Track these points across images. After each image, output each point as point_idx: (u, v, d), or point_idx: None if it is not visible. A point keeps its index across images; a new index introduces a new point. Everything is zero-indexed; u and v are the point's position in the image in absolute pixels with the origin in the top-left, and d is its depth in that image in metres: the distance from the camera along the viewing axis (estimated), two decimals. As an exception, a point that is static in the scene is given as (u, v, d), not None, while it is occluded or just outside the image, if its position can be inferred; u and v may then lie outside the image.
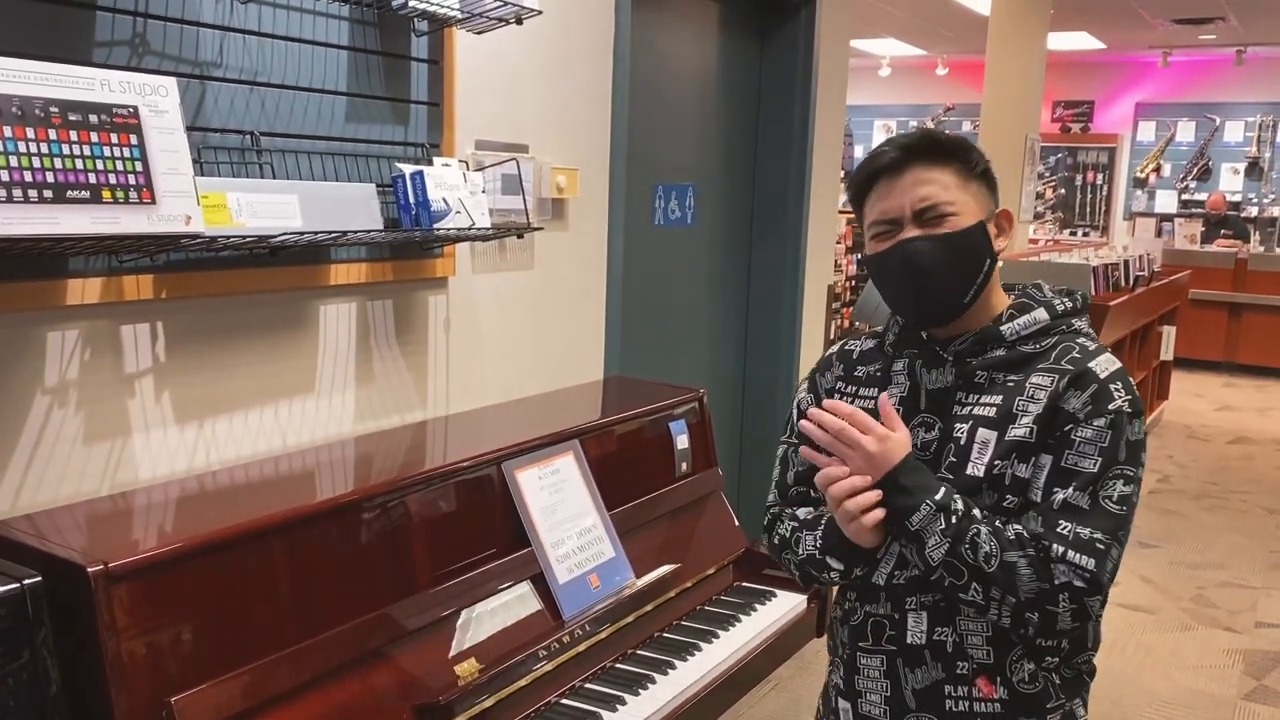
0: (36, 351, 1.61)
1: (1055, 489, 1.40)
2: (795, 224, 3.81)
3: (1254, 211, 11.93)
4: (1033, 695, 1.47)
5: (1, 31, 1.48)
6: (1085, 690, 1.57)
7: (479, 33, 2.20)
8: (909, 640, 1.48)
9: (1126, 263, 6.75)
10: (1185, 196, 12.41)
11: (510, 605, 1.90)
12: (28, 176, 1.32)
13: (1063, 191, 12.94)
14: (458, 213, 2.09)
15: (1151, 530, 5.45)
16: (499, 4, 2.06)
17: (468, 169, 2.21)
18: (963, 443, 1.45)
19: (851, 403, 1.52)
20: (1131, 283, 6.77)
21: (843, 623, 1.60)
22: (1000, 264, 1.52)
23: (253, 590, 1.52)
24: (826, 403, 1.46)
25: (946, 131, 1.53)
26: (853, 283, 6.27)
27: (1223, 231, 11.00)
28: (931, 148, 1.46)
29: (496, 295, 2.50)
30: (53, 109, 1.36)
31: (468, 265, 2.39)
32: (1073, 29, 10.15)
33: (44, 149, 1.34)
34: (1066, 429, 1.41)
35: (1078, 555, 1.36)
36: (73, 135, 1.37)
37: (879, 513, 1.40)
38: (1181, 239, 10.66)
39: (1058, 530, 1.37)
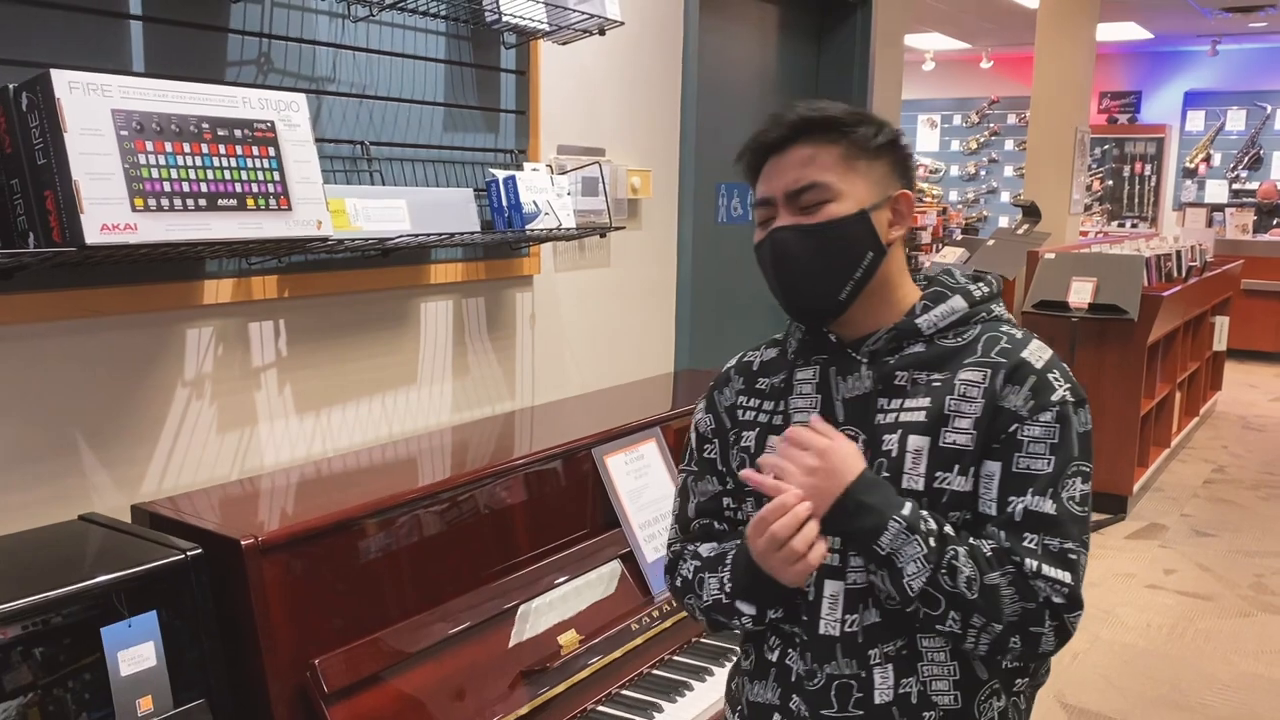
0: (177, 347, 1.76)
1: (1011, 497, 1.24)
2: (853, 220, 3.91)
3: (1307, 200, 11.79)
4: None
5: (152, 55, 1.63)
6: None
7: (563, 44, 2.33)
8: (877, 700, 1.27)
9: (1179, 253, 6.75)
10: (1236, 186, 12.29)
11: (604, 581, 2.03)
12: (185, 187, 1.46)
13: (1110, 183, 12.86)
14: (546, 214, 2.21)
15: (1208, 519, 5.47)
16: (584, 16, 2.19)
17: (552, 173, 2.34)
18: (894, 455, 1.27)
19: (754, 418, 1.39)
20: (1184, 273, 6.78)
21: (756, 678, 1.37)
22: (902, 251, 1.35)
23: (380, 563, 1.66)
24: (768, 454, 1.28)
25: (830, 101, 1.34)
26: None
27: (1276, 221, 10.89)
28: (819, 122, 1.29)
29: (576, 292, 2.63)
30: (204, 125, 1.50)
31: (550, 264, 2.52)
32: (1120, 19, 10.12)
33: (198, 162, 1.48)
34: (1011, 429, 1.25)
35: (1053, 569, 1.21)
36: (221, 149, 1.51)
37: (822, 548, 1.22)
38: (1233, 229, 10.58)
39: (1025, 544, 1.22)
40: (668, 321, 3.02)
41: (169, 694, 1.36)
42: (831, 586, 1.29)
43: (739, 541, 1.32)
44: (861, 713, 1.27)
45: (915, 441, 1.27)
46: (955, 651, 1.26)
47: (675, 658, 2.05)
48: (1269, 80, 12.01)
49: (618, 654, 1.94)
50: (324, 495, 1.83)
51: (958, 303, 1.33)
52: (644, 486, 2.20)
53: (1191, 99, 12.60)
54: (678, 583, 1.42)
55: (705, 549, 1.40)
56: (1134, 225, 12.43)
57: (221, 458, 1.84)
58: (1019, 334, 1.33)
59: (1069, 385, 1.27)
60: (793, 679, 1.32)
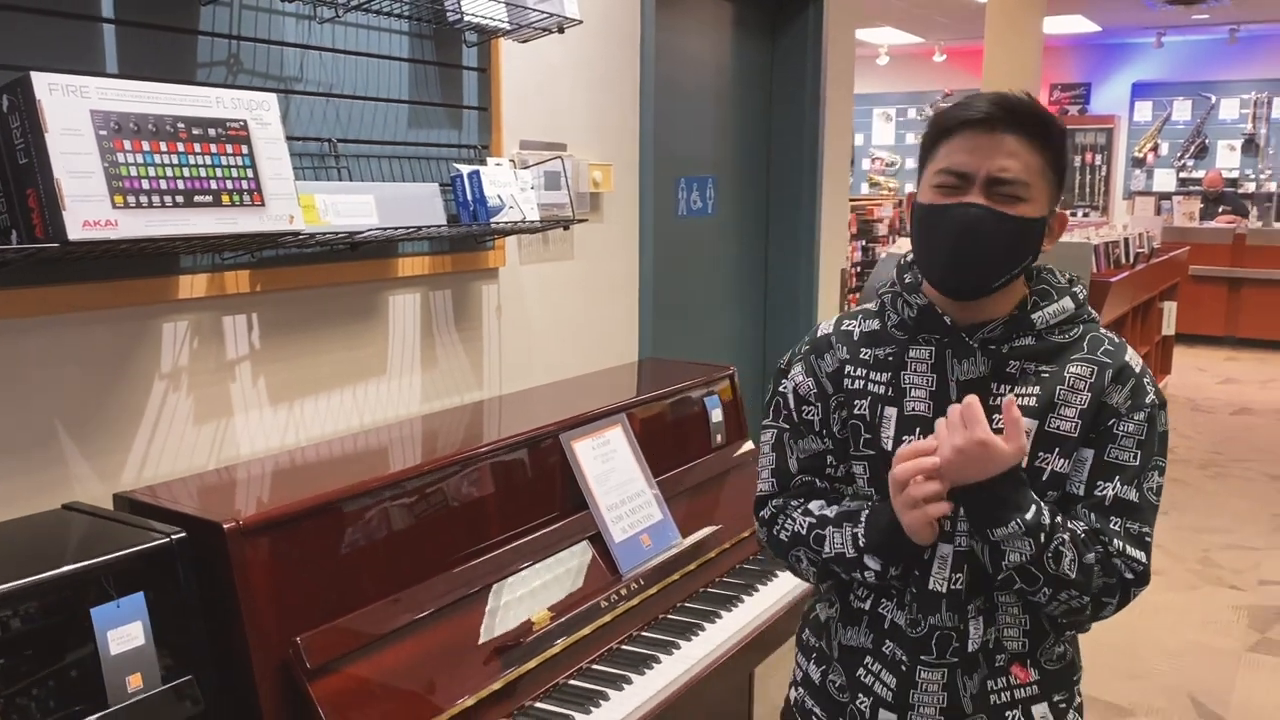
0: (154, 341, 1.81)
1: (1099, 482, 1.39)
2: (809, 211, 4.00)
3: (1251, 187, 12.10)
4: (1059, 671, 1.47)
5: (125, 57, 1.68)
6: None
7: (523, 42, 2.39)
8: (969, 649, 1.42)
9: (1126, 240, 6.93)
10: (1183, 174, 12.58)
11: (573, 561, 2.10)
12: (163, 185, 1.51)
13: (1062, 173, 13.08)
14: (510, 208, 2.28)
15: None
16: (543, 15, 2.25)
17: (515, 167, 2.41)
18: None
19: (865, 387, 1.48)
20: (1132, 260, 6.96)
21: (867, 627, 1.50)
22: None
23: (357, 545, 1.72)
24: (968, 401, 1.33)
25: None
26: (858, 269, 6.46)
27: (1221, 208, 11.17)
28: (1033, 122, 1.37)
29: (541, 284, 2.70)
30: (180, 125, 1.55)
31: (515, 257, 2.59)
32: (1068, 12, 10.32)
33: (175, 160, 1.54)
34: (1110, 423, 1.39)
35: (1133, 550, 1.37)
36: (196, 148, 1.57)
37: (944, 506, 1.33)
38: (1181, 216, 10.84)
39: (1112, 526, 1.37)
40: (631, 311, 3.09)
41: (157, 671, 1.42)
42: (943, 549, 1.42)
43: (874, 502, 1.45)
44: (956, 660, 1.42)
45: (1024, 424, 1.35)
46: (1026, 605, 1.41)
47: (644, 633, 2.12)
48: (1213, 71, 12.31)
49: (587, 630, 2.01)
50: (300, 481, 1.88)
51: (1067, 304, 1.45)
52: (610, 470, 2.28)
53: (1139, 90, 12.88)
54: (783, 536, 1.53)
55: (816, 506, 1.51)
56: (1085, 214, 12.66)
57: (199, 448, 1.89)
58: (1116, 338, 1.46)
59: (1156, 390, 1.43)
60: (886, 626, 1.47)
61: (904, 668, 1.45)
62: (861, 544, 1.43)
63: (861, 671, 1.50)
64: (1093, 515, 1.39)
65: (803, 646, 1.61)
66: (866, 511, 1.44)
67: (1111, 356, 1.42)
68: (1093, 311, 1.49)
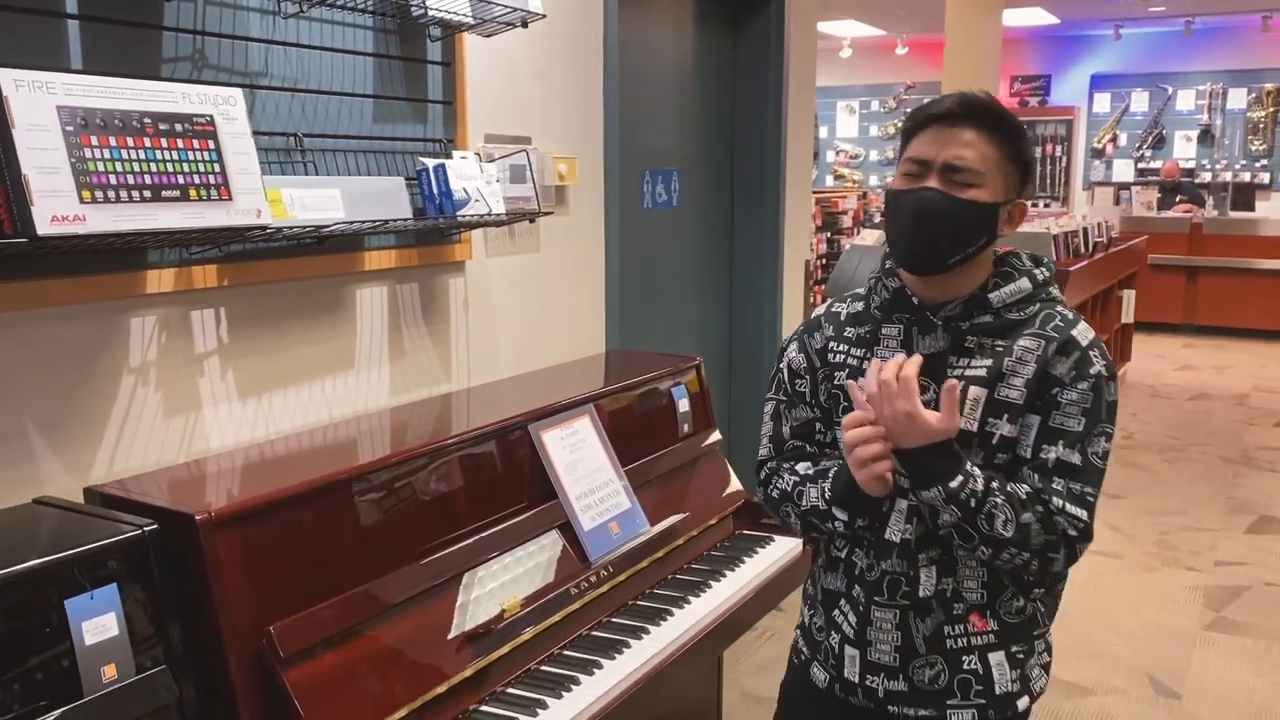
0: (122, 336, 1.81)
1: (1044, 446, 1.52)
2: (773, 203, 4.05)
3: (1207, 177, 12.31)
4: (1020, 624, 1.61)
5: (90, 53, 1.69)
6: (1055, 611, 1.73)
7: (487, 36, 2.41)
8: (920, 594, 1.59)
9: (1085, 230, 7.04)
10: (1141, 165, 12.77)
11: (543, 550, 2.13)
12: (131, 179, 1.52)
13: (1023, 164, 13.23)
14: (476, 201, 2.30)
15: (1118, 483, 5.74)
16: (507, 9, 2.28)
17: (481, 161, 2.43)
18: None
19: (845, 361, 1.67)
20: (1091, 249, 7.07)
21: (830, 570, 1.71)
22: (996, 248, 1.65)
23: (329, 535, 1.73)
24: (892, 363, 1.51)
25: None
26: (824, 260, 6.51)
27: (1178, 198, 11.36)
28: (990, 118, 1.53)
29: (508, 276, 2.72)
30: (146, 120, 1.56)
31: (482, 250, 2.61)
32: (1027, 4, 10.44)
33: (142, 155, 1.55)
34: (1054, 392, 1.53)
35: (1074, 508, 1.50)
36: (163, 143, 1.58)
37: (885, 464, 1.50)
38: (1139, 206, 11.01)
39: (1054, 486, 1.51)
40: (597, 303, 3.12)
41: (131, 661, 1.43)
42: (900, 503, 1.59)
43: (841, 462, 1.61)
44: (908, 603, 1.60)
45: (975, 392, 1.55)
46: (986, 561, 1.56)
47: (613, 619, 2.16)
48: (1169, 63, 12.49)
49: (558, 617, 2.04)
50: (270, 474, 1.90)
51: (1024, 284, 1.59)
52: (579, 460, 2.30)
53: (1098, 81, 13.05)
54: (774, 494, 1.74)
55: (802, 467, 1.70)
56: (1047, 204, 12.83)
57: (168, 442, 1.90)
58: (1071, 315, 1.59)
59: (1105, 362, 1.55)
60: (856, 572, 1.66)
61: (861, 608, 1.64)
62: (828, 498, 1.63)
63: (836, 612, 1.69)
64: (1036, 476, 1.53)
65: (804, 595, 1.83)
66: (834, 469, 1.63)
67: (1059, 331, 1.55)
68: (1054, 292, 1.62)
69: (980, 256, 1.58)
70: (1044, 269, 1.64)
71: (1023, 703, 1.64)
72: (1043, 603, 1.65)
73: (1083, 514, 1.51)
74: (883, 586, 1.62)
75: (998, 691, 1.61)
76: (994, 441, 1.55)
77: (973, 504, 1.48)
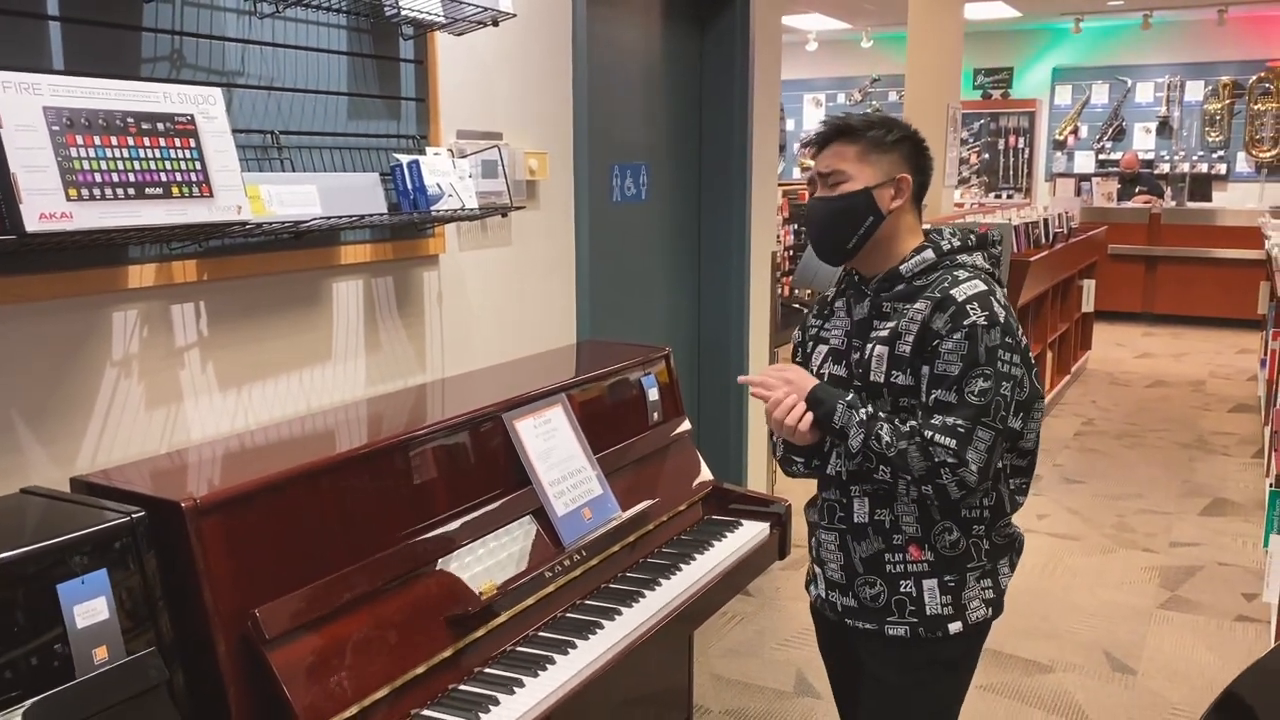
0: (105, 330, 1.86)
1: (932, 391, 1.80)
2: (740, 197, 4.12)
3: (1166, 169, 12.52)
4: (954, 557, 1.90)
5: (71, 54, 1.73)
6: (1014, 555, 2.00)
7: (459, 34, 2.46)
8: (855, 520, 1.94)
9: (1046, 221, 7.17)
10: (1102, 157, 12.97)
11: (518, 535, 2.19)
12: (115, 177, 1.57)
13: (986, 156, 13.42)
14: (449, 196, 2.35)
15: (1077, 468, 5.88)
16: (477, 9, 2.33)
17: (453, 156, 2.48)
18: (867, 358, 1.88)
19: (816, 332, 2.04)
20: (1051, 240, 7.20)
21: (810, 505, 2.09)
22: (911, 216, 1.93)
23: (311, 521, 1.79)
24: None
25: (870, 114, 1.94)
26: (790, 252, 6.58)
27: (1138, 189, 11.56)
28: (843, 126, 1.89)
29: (481, 270, 2.77)
30: (129, 120, 1.61)
31: (455, 244, 2.66)
32: (989, -1, 10.57)
33: (126, 154, 1.59)
34: (934, 344, 1.80)
35: (943, 437, 1.76)
36: (146, 142, 1.62)
37: (808, 416, 1.86)
38: (1099, 197, 11.19)
39: (931, 422, 1.78)
40: (568, 295, 3.18)
41: (121, 644, 1.48)
42: (840, 447, 1.91)
43: None
44: (845, 528, 1.95)
45: (880, 350, 1.86)
46: (918, 498, 1.86)
47: (586, 602, 2.22)
48: (1128, 56, 12.69)
49: (532, 600, 2.10)
50: (251, 463, 1.95)
51: (928, 255, 1.88)
52: (552, 448, 2.37)
53: (1059, 74, 13.23)
54: (778, 449, 2.06)
55: None
56: (1009, 196, 13.01)
57: (151, 433, 1.95)
58: (964, 276, 1.84)
59: (986, 313, 1.79)
60: (816, 504, 2.04)
61: (819, 533, 2.02)
62: (787, 446, 2.00)
63: (812, 540, 2.07)
64: (919, 414, 1.82)
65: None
66: None
67: (942, 291, 1.81)
68: (962, 259, 1.89)
69: (884, 234, 1.88)
70: (955, 239, 1.90)
71: (955, 626, 1.90)
72: (987, 540, 1.92)
73: (951, 443, 1.76)
74: (825, 512, 2.00)
75: (929, 613, 1.90)
76: (897, 389, 1.85)
77: (864, 416, 1.82)
